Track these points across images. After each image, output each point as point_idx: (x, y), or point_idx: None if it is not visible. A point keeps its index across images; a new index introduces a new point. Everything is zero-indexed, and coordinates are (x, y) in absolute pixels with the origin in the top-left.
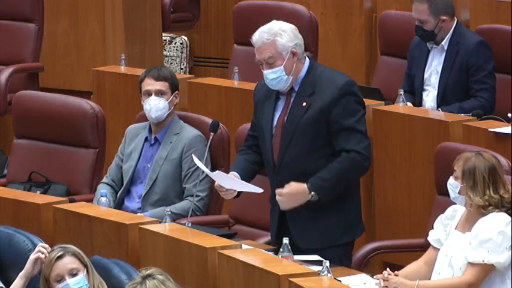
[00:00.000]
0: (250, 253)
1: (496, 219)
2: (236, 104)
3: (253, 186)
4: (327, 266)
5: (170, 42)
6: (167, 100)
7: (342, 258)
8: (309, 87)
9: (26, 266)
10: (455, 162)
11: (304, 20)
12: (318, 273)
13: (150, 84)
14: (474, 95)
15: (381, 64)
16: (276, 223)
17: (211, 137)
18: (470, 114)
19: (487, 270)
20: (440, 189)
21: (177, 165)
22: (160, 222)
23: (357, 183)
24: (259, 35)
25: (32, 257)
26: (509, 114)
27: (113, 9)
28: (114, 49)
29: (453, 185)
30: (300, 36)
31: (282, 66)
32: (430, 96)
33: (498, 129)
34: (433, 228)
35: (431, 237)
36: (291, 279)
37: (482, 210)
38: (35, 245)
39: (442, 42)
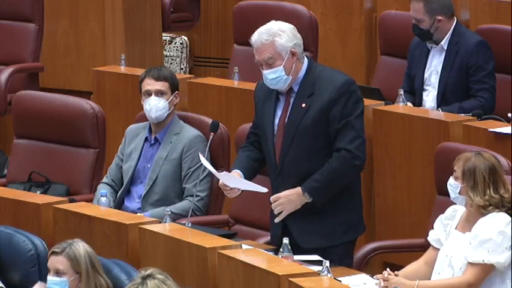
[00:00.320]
0: (250, 253)
1: (496, 219)
2: (236, 104)
3: (258, 185)
4: (327, 266)
5: (170, 42)
6: (167, 100)
7: (343, 257)
8: (308, 88)
9: None
10: (455, 162)
11: (304, 20)
12: (318, 273)
13: (150, 84)
14: (474, 95)
15: (381, 64)
16: (277, 225)
17: (211, 137)
18: (470, 114)
19: (487, 270)
20: (440, 189)
21: (177, 165)
22: (160, 222)
23: (358, 181)
24: (258, 36)
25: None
26: (509, 114)
27: (113, 9)
28: (114, 49)
29: (453, 185)
30: (299, 36)
31: (282, 66)
32: (430, 96)
33: (498, 129)
34: (433, 228)
35: (431, 237)
36: (291, 279)
37: (483, 210)
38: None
39: (442, 42)
